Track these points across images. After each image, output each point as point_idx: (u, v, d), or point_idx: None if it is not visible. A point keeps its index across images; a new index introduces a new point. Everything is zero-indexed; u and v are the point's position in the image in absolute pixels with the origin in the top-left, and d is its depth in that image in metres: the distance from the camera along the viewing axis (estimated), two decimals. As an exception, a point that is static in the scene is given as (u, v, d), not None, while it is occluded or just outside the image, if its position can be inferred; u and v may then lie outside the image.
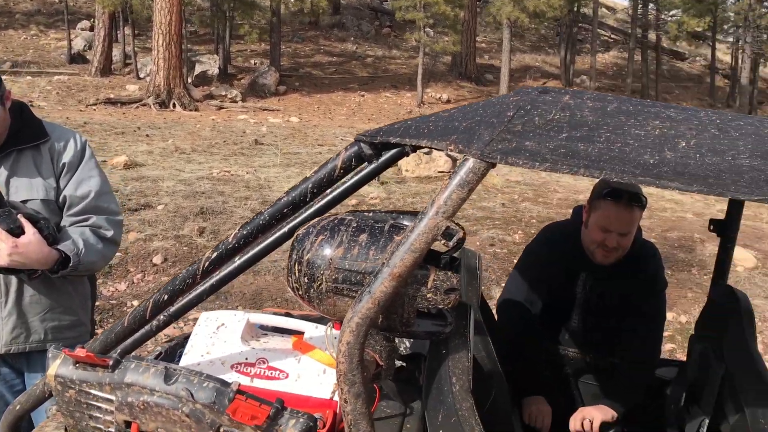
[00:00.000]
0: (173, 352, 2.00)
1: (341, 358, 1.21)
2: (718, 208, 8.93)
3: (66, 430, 1.54)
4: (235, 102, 19.91)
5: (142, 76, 20.73)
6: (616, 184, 2.28)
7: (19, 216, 2.04)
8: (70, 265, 2.12)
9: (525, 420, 2.36)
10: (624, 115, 1.17)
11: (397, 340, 2.04)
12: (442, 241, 1.23)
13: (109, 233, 2.28)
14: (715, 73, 27.81)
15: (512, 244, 6.95)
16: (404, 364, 1.80)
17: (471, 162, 1.17)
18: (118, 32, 22.65)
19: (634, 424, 2.51)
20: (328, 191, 1.46)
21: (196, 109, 18.31)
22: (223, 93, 20.27)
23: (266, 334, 1.88)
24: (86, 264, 2.17)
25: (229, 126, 14.95)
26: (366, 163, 1.43)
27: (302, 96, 21.81)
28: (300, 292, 1.31)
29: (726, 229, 2.45)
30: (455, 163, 9.48)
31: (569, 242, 2.50)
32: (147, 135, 12.57)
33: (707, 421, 2.22)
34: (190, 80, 20.30)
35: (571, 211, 2.67)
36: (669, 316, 5.47)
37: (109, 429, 1.41)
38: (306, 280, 1.28)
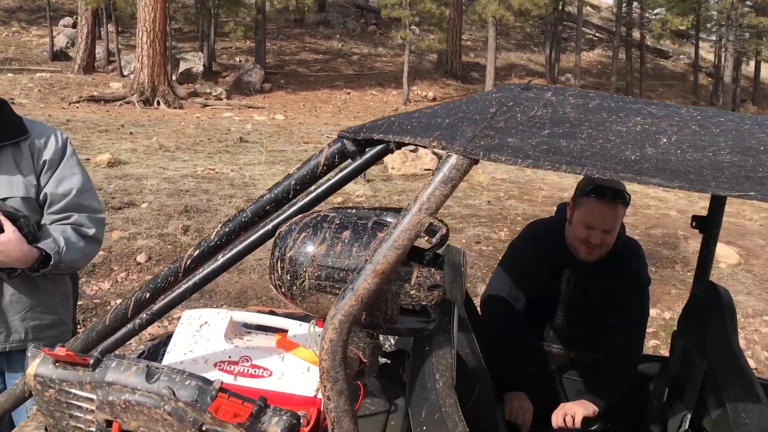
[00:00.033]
0: (156, 350, 1.98)
1: (324, 355, 1.20)
2: (702, 205, 9.01)
3: (46, 429, 1.53)
4: (220, 100, 19.81)
5: (125, 73, 20.58)
6: (600, 181, 2.29)
7: (-2, 214, 2.01)
8: (51, 263, 2.10)
9: (506, 416, 2.37)
10: (606, 112, 1.18)
11: (381, 338, 2.04)
12: (426, 238, 1.23)
13: (91, 231, 2.25)
14: (699, 72, 28.05)
15: (498, 242, 6.97)
16: (388, 361, 1.79)
17: (454, 158, 1.17)
18: (102, 29, 22.48)
19: (617, 420, 2.52)
20: (313, 188, 1.45)
21: (181, 107, 18.20)
22: (208, 90, 20.17)
23: (250, 332, 1.87)
24: (67, 262, 2.15)
25: (213, 124, 14.88)
26: (350, 160, 1.43)
27: (288, 93, 21.74)
28: (283, 290, 1.30)
29: (708, 226, 2.47)
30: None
31: (553, 239, 2.51)
32: (131, 133, 12.48)
33: (689, 416, 2.24)
34: (174, 78, 20.19)
35: (555, 208, 2.68)
36: (653, 312, 5.51)
37: (90, 428, 1.40)
38: (288, 278, 1.28)
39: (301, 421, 1.48)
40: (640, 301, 2.57)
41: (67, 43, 22.85)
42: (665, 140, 1.11)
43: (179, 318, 1.92)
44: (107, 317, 1.53)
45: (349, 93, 22.48)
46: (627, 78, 26.56)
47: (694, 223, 2.50)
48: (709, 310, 2.31)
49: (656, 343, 5.20)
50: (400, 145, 1.34)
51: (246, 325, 1.91)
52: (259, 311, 2.00)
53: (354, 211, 1.38)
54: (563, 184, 10.16)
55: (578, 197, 2.37)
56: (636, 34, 28.25)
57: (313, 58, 26.00)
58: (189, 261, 1.47)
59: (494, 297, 2.56)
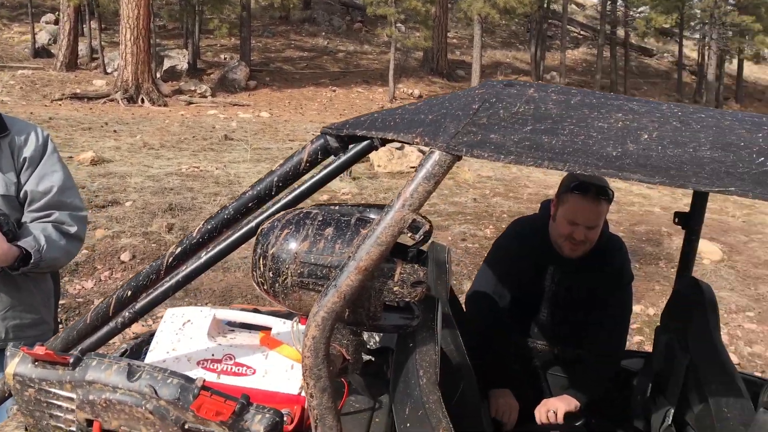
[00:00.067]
0: (139, 349, 1.96)
1: (307, 352, 1.20)
2: (685, 202, 9.08)
3: (27, 429, 1.51)
4: (205, 97, 19.70)
5: (109, 71, 20.40)
6: (584, 177, 2.30)
7: (-23, 212, 1.99)
8: (32, 261, 2.08)
9: (492, 414, 2.37)
10: (587, 108, 1.18)
11: (366, 334, 2.04)
12: (409, 234, 1.23)
13: (73, 229, 2.23)
14: (683, 70, 28.26)
15: (483, 239, 6.98)
16: (372, 358, 1.79)
17: (437, 155, 1.17)
18: (84, 26, 22.25)
19: (601, 415, 2.54)
20: (297, 185, 1.45)
21: (165, 105, 18.08)
22: (193, 88, 20.05)
23: (233, 330, 1.86)
24: (48, 261, 2.13)
25: (198, 121, 14.80)
26: (333, 157, 1.42)
27: (273, 91, 21.66)
28: (265, 287, 1.29)
29: (690, 222, 2.49)
30: (426, 158, 9.49)
31: (538, 236, 2.52)
32: (114, 131, 12.38)
33: (672, 410, 2.25)
34: (158, 75, 20.04)
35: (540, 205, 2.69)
36: (637, 308, 5.55)
37: (71, 428, 1.38)
38: (271, 275, 1.27)
39: (285, 419, 1.47)
40: (623, 297, 2.59)
41: (49, 39, 22.61)
42: (646, 136, 1.12)
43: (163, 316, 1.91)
44: (88, 316, 1.52)
45: (334, 90, 22.44)
46: (612, 76, 26.71)
47: (676, 219, 2.52)
48: (692, 306, 2.33)
49: (640, 339, 5.24)
50: (384, 142, 1.34)
51: (229, 323, 1.89)
52: (242, 309, 1.99)
53: (337, 207, 1.38)
54: (548, 181, 10.20)
55: (562, 194, 2.38)
56: (620, 32, 28.42)
57: (299, 56, 25.92)
58: (171, 258, 1.46)
59: (480, 294, 2.56)
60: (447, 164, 1.17)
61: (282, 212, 1.34)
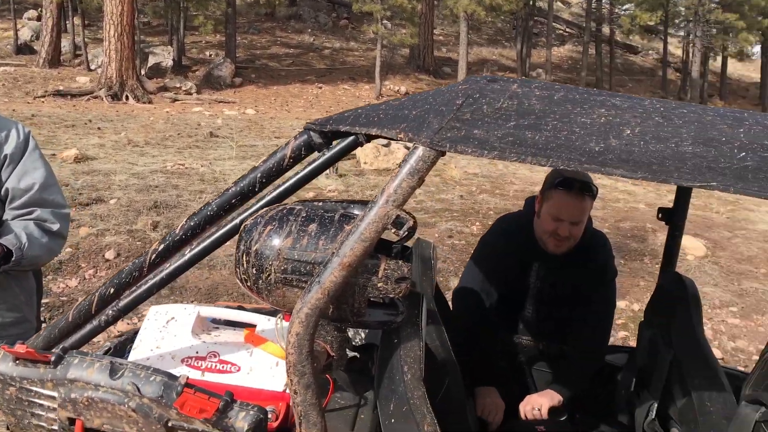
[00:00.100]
0: (123, 347, 1.95)
1: (291, 349, 1.20)
2: (670, 198, 9.14)
3: (8, 428, 1.49)
4: (190, 94, 19.59)
5: (93, 67, 20.23)
6: (568, 173, 2.31)
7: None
8: (13, 259, 2.05)
9: (477, 413, 2.37)
10: (570, 104, 1.18)
11: (352, 331, 2.03)
12: (393, 230, 1.23)
13: (55, 227, 2.21)
14: (667, 67, 28.48)
15: (470, 236, 7.00)
16: (357, 355, 1.79)
17: (420, 150, 1.17)
18: (67, 22, 22.05)
19: (585, 410, 2.55)
20: (282, 182, 1.44)
21: (150, 102, 17.96)
22: (178, 85, 19.93)
23: (218, 328, 1.85)
24: (30, 258, 2.10)
25: (183, 118, 14.70)
26: (316, 153, 1.41)
27: (259, 88, 21.58)
28: (248, 284, 1.29)
29: (674, 217, 2.50)
30: (413, 155, 9.49)
31: (523, 233, 2.53)
32: (99, 128, 12.28)
33: (656, 405, 2.27)
34: (143, 72, 19.90)
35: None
36: (622, 304, 5.59)
37: (53, 426, 1.37)
38: (254, 271, 1.26)
39: (270, 416, 1.47)
40: (607, 293, 2.60)
41: (32, 36, 22.39)
42: (629, 132, 1.12)
43: (147, 314, 1.89)
44: (70, 314, 1.50)
45: (320, 87, 22.39)
46: (597, 73, 26.85)
47: (660, 215, 2.54)
48: (675, 301, 2.34)
49: (625, 334, 5.27)
50: (369, 138, 1.33)
51: (214, 321, 1.88)
52: (227, 306, 1.98)
53: (321, 203, 1.38)
54: (534, 178, 10.24)
55: (546, 190, 2.38)
56: (606, 29, 28.57)
57: (285, 53, 25.83)
58: (154, 256, 1.45)
59: (466, 291, 2.56)
60: (431, 160, 1.17)
61: (265, 208, 1.34)
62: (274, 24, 28.38)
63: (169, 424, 1.28)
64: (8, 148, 2.16)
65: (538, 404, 2.38)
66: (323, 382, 1.55)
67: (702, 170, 1.06)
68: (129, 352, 1.81)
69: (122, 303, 1.51)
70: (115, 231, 6.18)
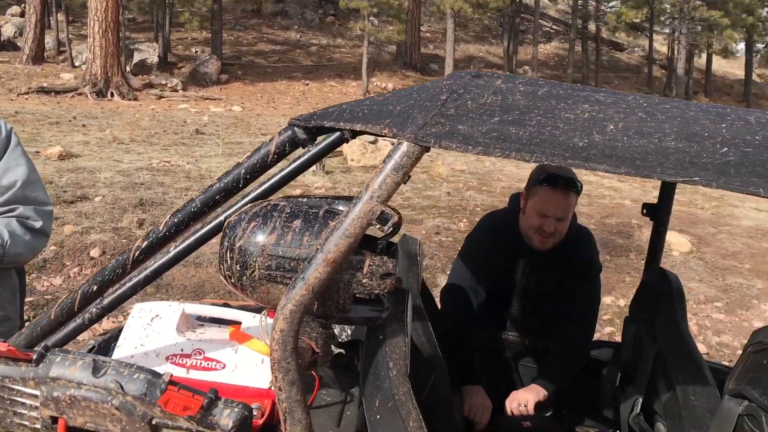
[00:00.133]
0: (107, 345, 1.93)
1: (275, 345, 1.19)
2: (655, 194, 9.20)
3: (-10, 427, 1.48)
4: (176, 91, 19.47)
5: (77, 64, 20.06)
6: (553, 169, 2.31)
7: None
8: (-6, 257, 2.03)
9: (464, 413, 2.37)
10: (554, 99, 1.18)
11: (338, 328, 2.03)
12: (378, 226, 1.23)
13: (38, 224, 2.19)
14: (653, 64, 28.63)
15: (457, 232, 7.01)
16: (343, 351, 1.79)
17: (405, 146, 1.17)
18: (51, 18, 21.84)
19: (570, 405, 2.56)
20: (268, 178, 1.44)
21: (135, 99, 17.84)
22: (163, 82, 19.80)
23: (203, 325, 1.84)
24: (12, 256, 2.08)
25: (169, 115, 14.62)
26: (301, 148, 1.41)
27: (245, 85, 21.49)
28: (232, 280, 1.28)
29: (658, 213, 2.52)
30: (400, 152, 9.49)
31: (508, 230, 2.53)
32: (83, 125, 12.18)
33: (641, 399, 2.28)
34: (128, 69, 19.75)
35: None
36: (608, 300, 5.62)
37: (35, 425, 1.36)
38: (238, 268, 1.26)
39: (255, 413, 1.46)
40: (592, 289, 2.61)
41: (15, 32, 22.16)
42: (612, 127, 1.12)
43: (132, 312, 1.88)
44: (52, 311, 1.49)
45: (307, 84, 22.33)
46: (583, 70, 26.97)
47: (644, 211, 2.55)
48: (660, 297, 2.36)
49: (611, 330, 5.30)
50: (355, 134, 1.33)
51: (199, 318, 1.87)
52: (212, 304, 1.97)
53: (305, 200, 1.37)
54: (521, 174, 10.27)
55: (531, 186, 2.39)
56: (592, 26, 28.70)
57: (271, 49, 25.73)
58: (138, 253, 1.44)
59: (454, 288, 2.57)
60: (415, 155, 1.17)
61: (249, 205, 1.33)
62: (261, 20, 28.27)
63: (153, 422, 1.27)
64: (-10, 145, 2.13)
65: (524, 400, 2.39)
66: (308, 379, 1.54)
67: (685, 165, 1.06)
68: (113, 349, 1.79)
69: (106, 300, 1.50)
70: (100, 229, 6.14)
